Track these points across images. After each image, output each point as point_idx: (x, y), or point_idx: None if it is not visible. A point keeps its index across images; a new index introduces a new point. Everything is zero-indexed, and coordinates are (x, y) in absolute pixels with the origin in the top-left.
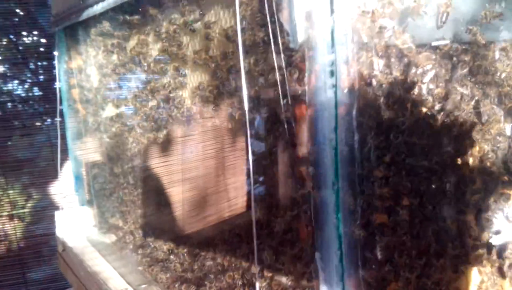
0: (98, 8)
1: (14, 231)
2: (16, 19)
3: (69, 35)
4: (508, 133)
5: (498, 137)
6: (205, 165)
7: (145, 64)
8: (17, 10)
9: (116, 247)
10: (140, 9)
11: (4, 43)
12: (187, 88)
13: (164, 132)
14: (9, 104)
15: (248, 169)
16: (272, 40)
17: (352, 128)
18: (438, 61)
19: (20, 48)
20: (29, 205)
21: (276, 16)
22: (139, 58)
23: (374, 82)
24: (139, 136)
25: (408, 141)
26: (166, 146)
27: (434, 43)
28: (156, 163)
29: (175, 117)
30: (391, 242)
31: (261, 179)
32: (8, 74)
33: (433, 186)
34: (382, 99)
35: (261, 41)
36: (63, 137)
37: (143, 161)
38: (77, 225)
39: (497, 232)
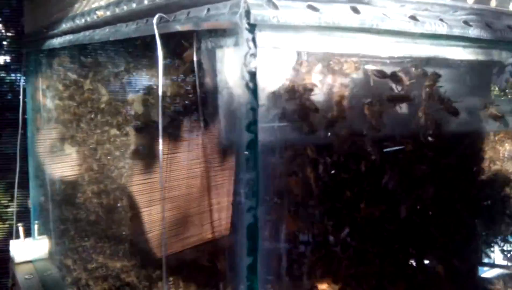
0: (56, 43)
1: None
2: None
3: (38, 58)
4: None
5: None
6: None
7: (93, 111)
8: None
9: None
10: (93, 53)
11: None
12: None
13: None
14: (9, 96)
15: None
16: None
17: None
18: None
19: None
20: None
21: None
22: (90, 103)
23: None
24: (86, 185)
25: None
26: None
27: None
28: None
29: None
30: None
31: None
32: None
33: None
34: None
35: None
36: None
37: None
38: (31, 257)
39: None
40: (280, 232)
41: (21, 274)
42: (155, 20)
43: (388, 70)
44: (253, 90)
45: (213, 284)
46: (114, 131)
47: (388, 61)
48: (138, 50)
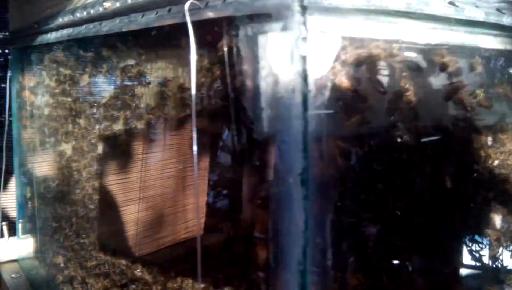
0: (51, 37)
1: None
2: None
3: (25, 56)
4: None
5: None
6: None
7: (95, 105)
8: None
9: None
10: (94, 47)
11: None
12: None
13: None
14: None
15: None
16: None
17: None
18: None
19: None
20: None
21: (238, 96)
22: (91, 98)
23: None
24: (84, 181)
25: None
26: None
27: None
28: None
29: None
30: None
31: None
32: None
33: None
34: None
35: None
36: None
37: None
38: (16, 256)
39: None
40: (325, 222)
41: (7, 273)
42: (187, 6)
43: (426, 57)
44: (304, 76)
45: (249, 277)
46: (118, 126)
47: (425, 48)
48: (153, 41)
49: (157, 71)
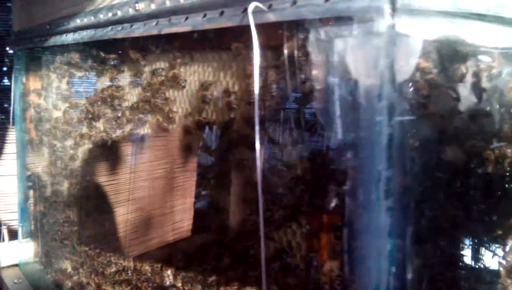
0: (68, 39)
1: None
2: None
3: (31, 57)
4: None
5: None
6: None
7: (120, 109)
8: None
9: None
10: (119, 50)
11: None
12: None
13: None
14: None
15: None
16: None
17: None
18: None
19: None
20: None
21: (308, 101)
22: (113, 101)
23: None
24: (100, 182)
25: None
26: None
27: None
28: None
29: None
30: None
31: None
32: None
33: None
34: None
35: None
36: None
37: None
38: (17, 260)
39: None
40: (408, 235)
41: (9, 278)
42: (250, 9)
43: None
44: (391, 81)
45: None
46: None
47: (495, 52)
48: (192, 44)
49: (193, 74)
